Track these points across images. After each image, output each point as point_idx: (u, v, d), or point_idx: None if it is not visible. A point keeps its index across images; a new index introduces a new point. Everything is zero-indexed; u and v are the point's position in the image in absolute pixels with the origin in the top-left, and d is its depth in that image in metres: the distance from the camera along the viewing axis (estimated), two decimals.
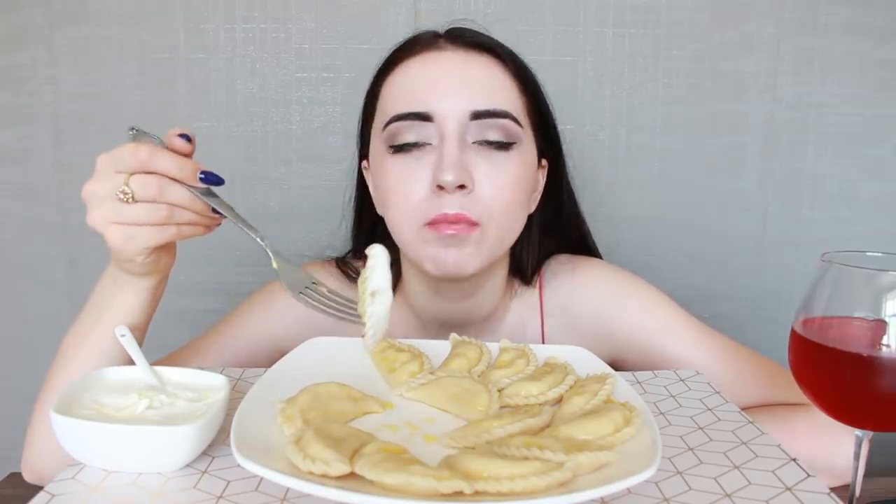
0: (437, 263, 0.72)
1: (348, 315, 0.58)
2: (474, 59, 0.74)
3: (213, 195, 0.60)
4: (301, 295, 0.59)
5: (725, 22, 1.20)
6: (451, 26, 0.78)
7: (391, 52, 0.78)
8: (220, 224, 0.63)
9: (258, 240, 0.60)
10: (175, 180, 0.58)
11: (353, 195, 0.88)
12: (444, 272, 0.72)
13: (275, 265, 0.59)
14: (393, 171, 0.73)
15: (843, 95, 1.22)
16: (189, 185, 0.59)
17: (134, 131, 0.61)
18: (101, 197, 0.58)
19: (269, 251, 0.60)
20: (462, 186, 0.70)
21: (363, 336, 0.57)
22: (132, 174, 0.57)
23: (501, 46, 0.76)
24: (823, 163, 1.24)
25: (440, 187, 0.70)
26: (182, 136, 0.59)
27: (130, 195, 0.57)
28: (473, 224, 0.71)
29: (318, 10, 1.18)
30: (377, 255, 0.56)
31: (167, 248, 0.64)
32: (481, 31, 0.78)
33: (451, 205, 0.70)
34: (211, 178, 0.59)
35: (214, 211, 0.60)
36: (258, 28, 1.19)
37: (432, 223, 0.71)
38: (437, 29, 0.78)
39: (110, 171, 0.58)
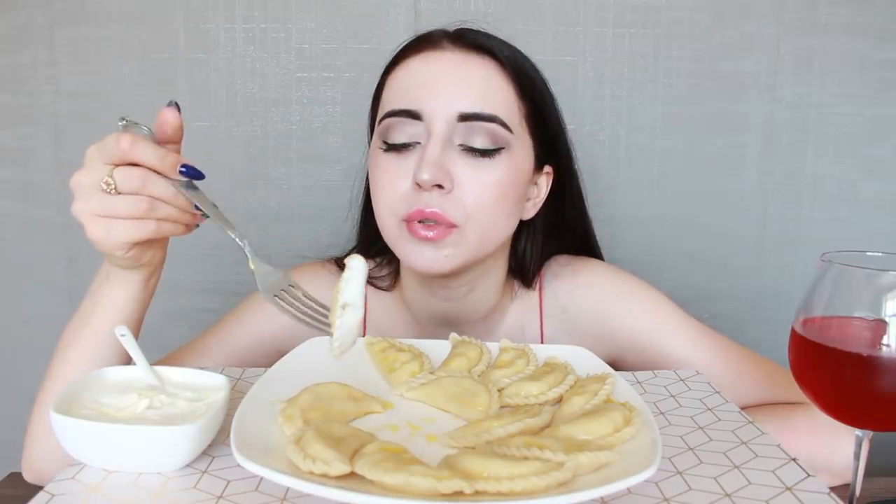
0: (413, 261, 0.73)
1: (319, 324, 0.58)
2: (472, 61, 0.74)
3: (196, 191, 0.59)
4: (275, 298, 0.58)
5: (725, 22, 1.20)
6: (460, 26, 0.77)
7: (400, 47, 0.79)
8: (198, 226, 0.63)
9: (237, 240, 0.60)
10: (156, 173, 0.58)
11: (363, 188, 0.88)
12: (419, 270, 0.73)
13: (251, 266, 0.59)
14: (381, 166, 0.74)
15: (843, 95, 1.22)
16: (170, 179, 0.58)
17: (124, 122, 0.60)
18: (86, 188, 0.58)
19: (247, 252, 0.59)
20: (440, 186, 0.70)
21: (331, 345, 0.56)
22: (116, 165, 0.57)
23: (504, 49, 0.76)
24: (823, 163, 1.24)
25: (419, 185, 0.70)
26: (171, 104, 0.59)
27: (113, 186, 0.57)
28: (451, 226, 0.71)
29: (318, 10, 1.18)
30: (354, 267, 0.55)
31: (152, 244, 0.63)
32: (492, 32, 0.77)
33: (429, 202, 0.71)
34: (190, 172, 0.59)
35: (197, 208, 0.60)
36: (258, 28, 1.19)
37: (409, 220, 0.72)
38: (448, 28, 0.78)
39: (97, 161, 0.58)
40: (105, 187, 0.57)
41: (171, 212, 0.59)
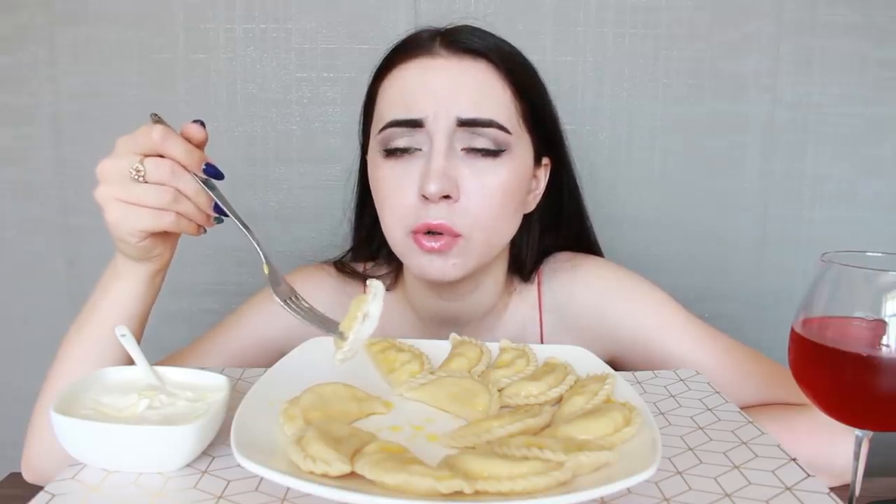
0: (423, 272, 0.74)
1: (327, 329, 0.59)
2: (468, 67, 0.74)
3: (216, 191, 0.62)
4: (286, 302, 0.60)
5: (725, 22, 1.20)
6: (451, 26, 0.77)
7: (390, 51, 0.78)
8: (205, 231, 0.64)
9: (254, 243, 0.61)
10: (182, 166, 0.60)
11: (356, 188, 0.88)
12: (429, 279, 0.75)
13: (266, 270, 0.61)
14: (385, 176, 0.75)
15: (842, 95, 1.22)
16: (194, 176, 0.60)
17: (155, 117, 0.63)
18: (114, 173, 0.60)
19: (262, 255, 0.61)
20: (447, 196, 0.71)
21: (336, 350, 0.58)
22: (146, 155, 0.59)
23: (498, 50, 0.76)
24: (823, 163, 1.24)
25: (425, 197, 0.71)
26: (197, 121, 0.62)
27: (143, 174, 0.59)
28: (457, 235, 0.72)
29: (318, 10, 1.18)
30: (378, 287, 0.58)
31: (163, 239, 0.65)
32: (487, 28, 0.77)
33: (436, 214, 0.71)
34: (211, 171, 0.61)
35: (216, 209, 0.62)
36: (258, 28, 1.19)
37: (416, 232, 0.72)
38: (438, 26, 0.78)
39: (127, 150, 0.60)
40: (134, 174, 0.59)
41: (190, 208, 0.61)
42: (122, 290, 0.67)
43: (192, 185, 0.60)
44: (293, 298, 0.60)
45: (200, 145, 0.62)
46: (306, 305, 0.61)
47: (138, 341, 0.64)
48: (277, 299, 0.59)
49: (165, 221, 0.60)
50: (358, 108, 0.83)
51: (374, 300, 0.58)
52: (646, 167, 1.24)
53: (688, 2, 1.19)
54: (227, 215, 0.62)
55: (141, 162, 0.59)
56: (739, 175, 1.24)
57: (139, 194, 0.59)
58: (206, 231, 0.64)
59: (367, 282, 0.59)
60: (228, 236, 0.67)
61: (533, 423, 0.52)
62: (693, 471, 0.52)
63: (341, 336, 0.58)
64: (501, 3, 1.18)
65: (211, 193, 0.61)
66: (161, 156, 0.59)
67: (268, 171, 1.22)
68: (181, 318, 1.23)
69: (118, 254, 0.66)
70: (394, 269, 0.87)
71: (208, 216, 0.62)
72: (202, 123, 0.62)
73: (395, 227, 0.74)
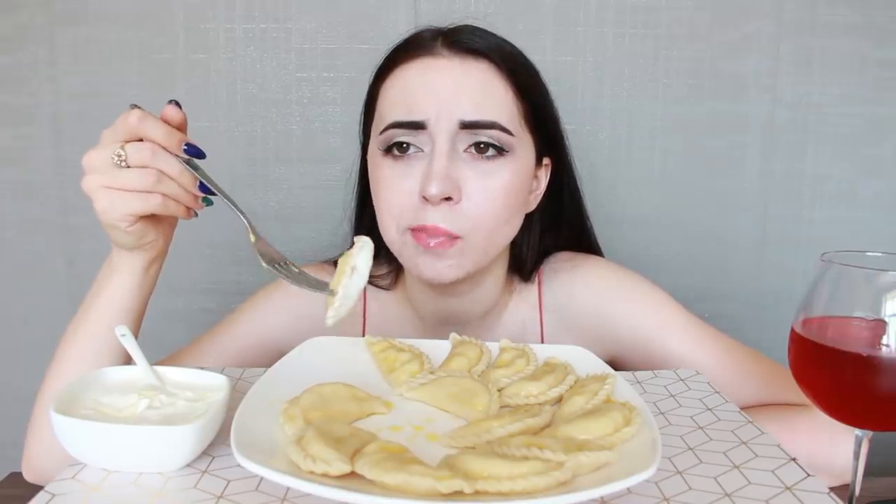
0: (419, 271, 0.74)
1: (318, 289, 0.59)
2: (470, 67, 0.73)
3: (200, 170, 0.62)
4: (273, 266, 0.60)
5: (725, 22, 1.20)
6: (452, 26, 0.77)
7: (391, 50, 0.78)
8: (196, 214, 0.65)
9: (239, 213, 0.62)
10: (162, 148, 0.60)
11: (356, 187, 0.88)
12: (425, 279, 0.74)
13: (252, 239, 0.61)
14: (386, 176, 0.74)
15: (842, 95, 1.22)
16: (176, 157, 0.61)
17: (134, 106, 0.63)
18: (98, 162, 0.60)
19: (248, 225, 0.61)
20: (448, 198, 0.71)
21: (327, 308, 0.58)
22: (126, 141, 0.60)
23: (500, 50, 0.76)
24: (823, 163, 1.24)
25: (426, 198, 0.70)
26: (172, 102, 0.62)
27: (124, 159, 0.60)
28: (455, 237, 0.72)
29: (318, 10, 1.18)
30: (366, 241, 0.58)
31: (155, 224, 0.65)
32: (489, 28, 0.77)
33: (435, 217, 0.71)
34: (192, 151, 0.62)
35: (202, 187, 0.62)
36: (258, 28, 1.19)
37: (414, 230, 0.72)
38: (440, 25, 0.78)
39: (109, 139, 0.61)
40: (116, 160, 0.60)
41: (175, 188, 0.61)
42: (118, 284, 0.67)
43: (174, 166, 0.61)
44: (281, 264, 0.61)
45: (180, 127, 0.62)
46: (296, 269, 0.61)
47: (135, 337, 0.64)
48: (265, 265, 0.59)
49: (152, 204, 0.61)
50: (358, 108, 0.83)
51: (360, 253, 0.57)
52: (646, 167, 1.24)
53: (688, 2, 1.19)
54: (213, 194, 0.62)
55: (122, 148, 0.59)
56: (739, 175, 1.24)
57: (123, 179, 0.60)
58: (196, 214, 0.65)
59: (355, 238, 0.59)
60: (225, 233, 0.67)
61: (533, 423, 0.52)
62: (693, 471, 0.52)
63: (331, 293, 0.57)
64: (501, 3, 1.18)
65: (194, 173, 0.61)
66: (142, 140, 0.60)
67: (268, 171, 1.22)
68: (179, 318, 1.23)
69: (113, 247, 0.67)
70: (394, 269, 0.87)
71: (195, 197, 0.63)
72: (178, 104, 0.62)
73: (390, 223, 0.74)
